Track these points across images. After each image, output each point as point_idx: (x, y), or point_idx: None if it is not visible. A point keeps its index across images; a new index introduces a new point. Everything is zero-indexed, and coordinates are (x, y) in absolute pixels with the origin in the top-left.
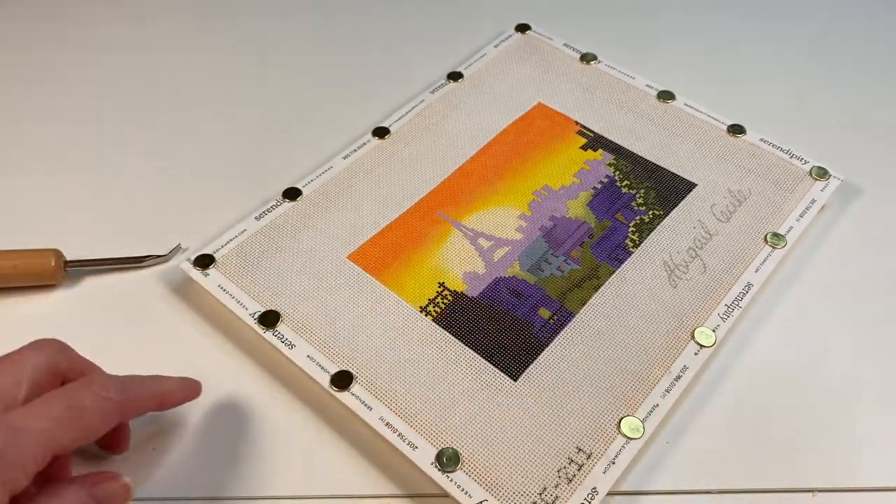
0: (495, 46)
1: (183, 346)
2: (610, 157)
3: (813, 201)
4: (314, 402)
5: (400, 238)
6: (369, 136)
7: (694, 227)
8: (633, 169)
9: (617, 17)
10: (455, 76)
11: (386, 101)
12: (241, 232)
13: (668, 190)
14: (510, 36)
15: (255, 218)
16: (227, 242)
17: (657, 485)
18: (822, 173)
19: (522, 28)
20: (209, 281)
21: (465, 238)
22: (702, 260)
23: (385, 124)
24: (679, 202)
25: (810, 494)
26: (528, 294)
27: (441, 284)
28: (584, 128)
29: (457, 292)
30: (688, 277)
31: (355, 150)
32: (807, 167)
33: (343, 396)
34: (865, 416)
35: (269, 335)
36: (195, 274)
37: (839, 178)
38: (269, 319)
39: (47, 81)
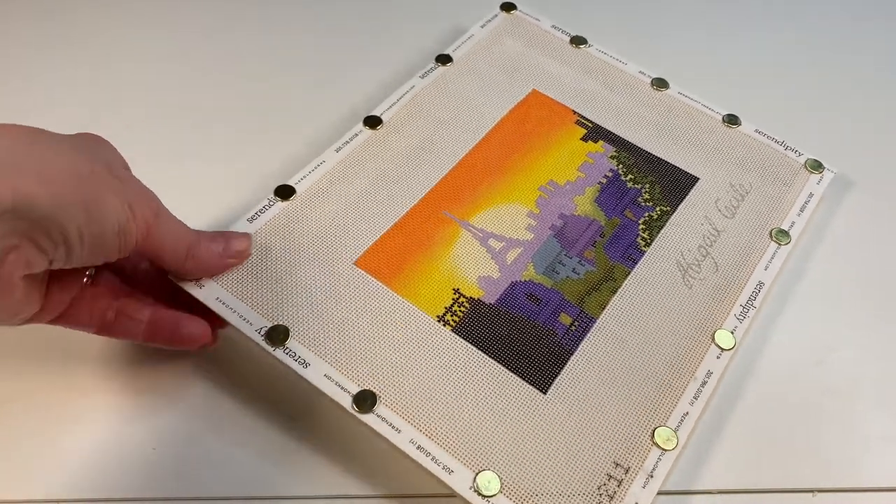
0: (482, 27)
1: (182, 359)
2: (611, 150)
3: (811, 195)
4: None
5: (407, 240)
6: (361, 126)
7: (702, 224)
8: (636, 162)
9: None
10: (444, 59)
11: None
12: None
13: (673, 184)
14: (496, 15)
15: (248, 220)
16: None
17: None
18: (816, 166)
19: (507, 7)
20: (205, 293)
21: (475, 239)
22: (713, 258)
23: (376, 113)
24: (684, 197)
25: (810, 494)
26: (546, 299)
27: (456, 291)
28: (582, 117)
29: (473, 299)
30: (701, 277)
31: (347, 143)
32: (801, 159)
33: (368, 419)
34: (866, 416)
35: (279, 353)
36: (189, 286)
37: (833, 171)
38: (278, 335)
39: (29, 79)
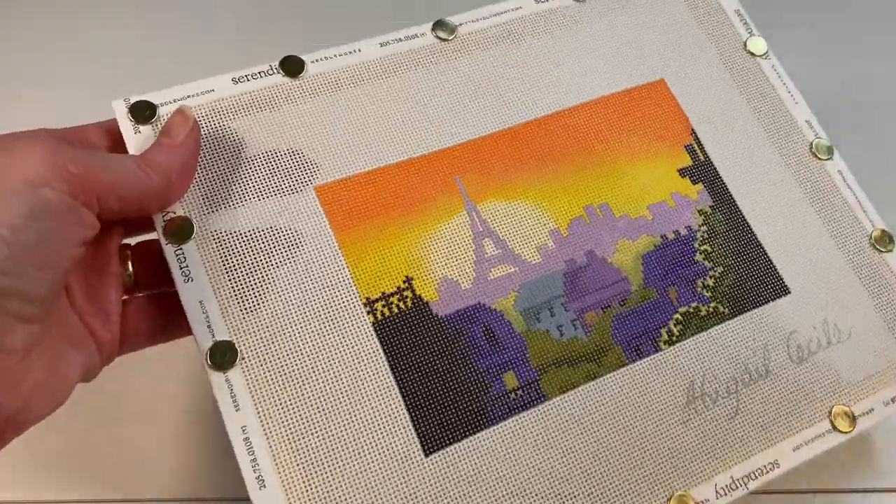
0: None
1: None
2: (707, 202)
3: None
4: None
5: (392, 191)
6: (426, 28)
7: (753, 354)
8: (726, 233)
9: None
10: None
11: None
12: (207, 91)
13: (751, 285)
14: None
15: (233, 80)
16: (184, 98)
17: None
18: None
19: None
20: (139, 139)
21: (470, 229)
22: (737, 401)
23: (455, 20)
24: (754, 308)
25: (811, 495)
26: (504, 344)
27: (408, 280)
28: (698, 143)
29: (421, 300)
30: (708, 417)
31: (399, 41)
32: None
33: (213, 377)
34: None
35: (168, 250)
36: (125, 125)
37: None
38: (181, 231)
39: None
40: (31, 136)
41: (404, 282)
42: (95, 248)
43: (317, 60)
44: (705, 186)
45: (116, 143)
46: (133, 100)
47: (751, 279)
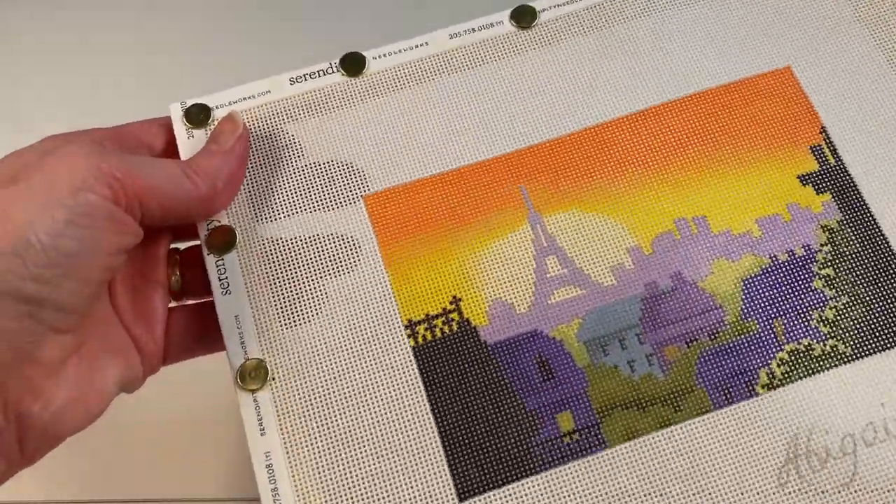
0: None
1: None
2: (833, 216)
3: None
4: None
5: (449, 200)
6: (503, 16)
7: (882, 406)
8: (857, 255)
9: None
10: None
11: None
12: (263, 93)
13: (886, 320)
14: None
15: (290, 81)
16: (239, 100)
17: None
18: None
19: None
20: (191, 143)
21: (533, 244)
22: (856, 463)
23: (536, 4)
24: (888, 349)
25: None
26: (561, 379)
27: (455, 301)
28: (829, 143)
29: (468, 324)
30: (814, 481)
31: (472, 32)
32: None
33: (243, 399)
34: None
35: (209, 261)
36: (179, 129)
37: None
38: (225, 242)
39: None
40: (74, 139)
41: (451, 303)
42: (143, 254)
43: (379, 56)
44: (833, 197)
45: (173, 139)
46: (189, 103)
47: (886, 313)
